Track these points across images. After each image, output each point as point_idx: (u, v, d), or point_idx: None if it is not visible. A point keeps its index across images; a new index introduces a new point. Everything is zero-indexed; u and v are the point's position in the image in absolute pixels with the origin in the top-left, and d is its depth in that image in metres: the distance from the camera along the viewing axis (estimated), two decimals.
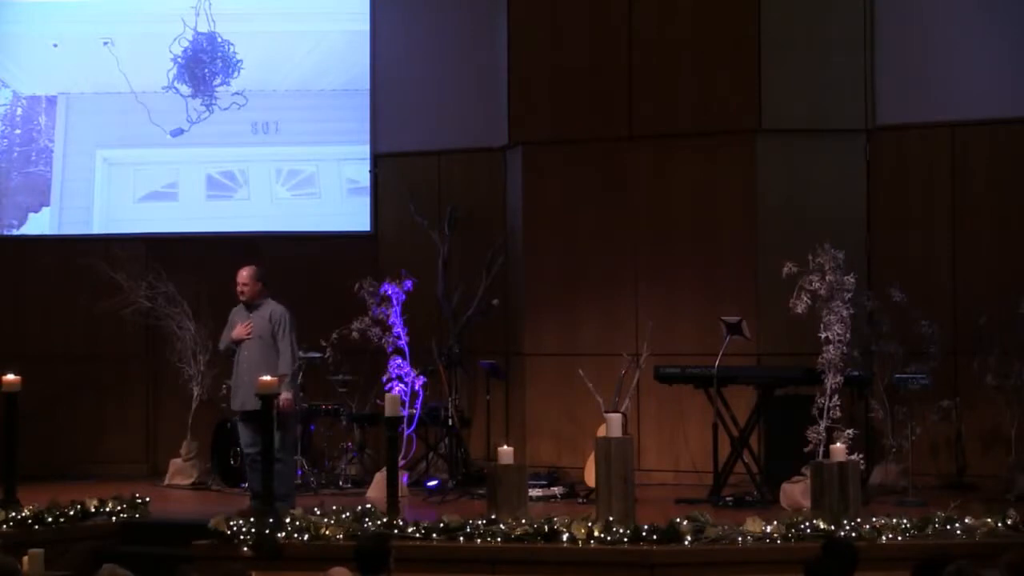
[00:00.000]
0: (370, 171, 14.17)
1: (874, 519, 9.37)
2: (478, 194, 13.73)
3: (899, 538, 9.20)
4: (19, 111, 14.56)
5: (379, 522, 9.57)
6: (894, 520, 9.33)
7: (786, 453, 11.27)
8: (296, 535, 9.54)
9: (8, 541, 9.16)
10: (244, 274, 11.23)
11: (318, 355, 12.79)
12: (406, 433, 12.58)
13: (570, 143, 13.16)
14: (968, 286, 12.31)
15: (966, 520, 9.36)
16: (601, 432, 10.28)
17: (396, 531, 9.36)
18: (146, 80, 14.36)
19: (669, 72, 12.87)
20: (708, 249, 12.69)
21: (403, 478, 11.92)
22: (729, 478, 11.59)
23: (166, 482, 13.18)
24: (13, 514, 10.23)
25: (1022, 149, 12.27)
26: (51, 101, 14.52)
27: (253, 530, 9.51)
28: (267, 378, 10.28)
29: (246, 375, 10.88)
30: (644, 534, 9.18)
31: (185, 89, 14.39)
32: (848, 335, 10.80)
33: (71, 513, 10.44)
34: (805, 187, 12.63)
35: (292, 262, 13.52)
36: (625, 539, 9.17)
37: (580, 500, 11.71)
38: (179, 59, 14.40)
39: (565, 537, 9.23)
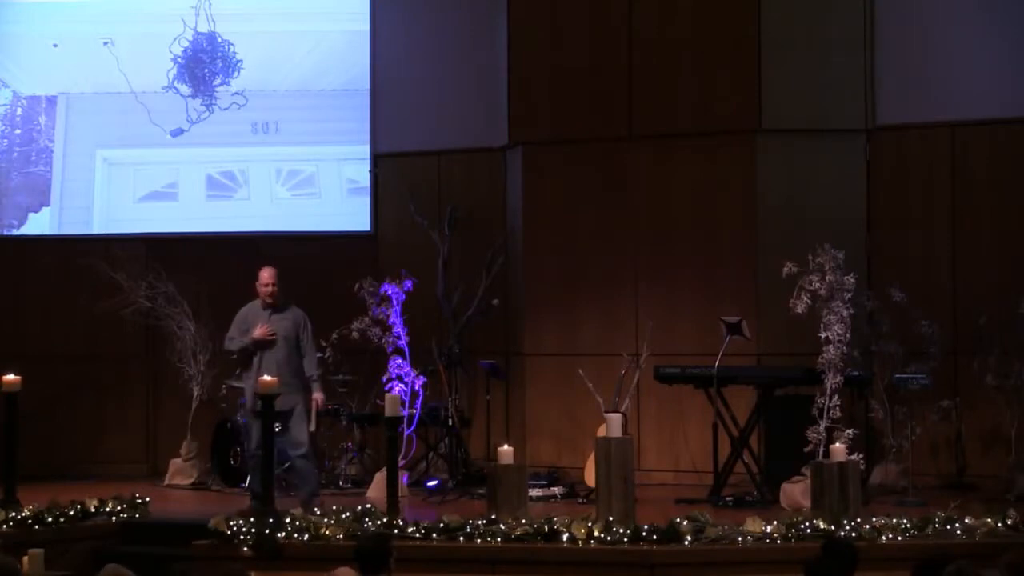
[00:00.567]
0: (370, 171, 14.18)
1: (874, 519, 9.37)
2: (478, 194, 13.74)
3: (899, 538, 9.20)
4: (19, 111, 14.56)
5: (379, 522, 9.57)
6: (894, 520, 9.34)
7: (786, 453, 11.27)
8: (296, 535, 9.54)
9: (8, 541, 9.17)
10: (271, 274, 11.25)
11: (319, 355, 12.77)
12: (406, 433, 12.58)
13: (570, 143, 13.17)
14: (968, 286, 12.32)
15: (966, 520, 9.36)
16: (601, 432, 10.28)
17: (396, 531, 9.36)
18: (146, 80, 14.36)
19: (669, 72, 12.87)
20: (708, 249, 12.69)
21: (403, 478, 11.92)
22: (729, 478, 11.59)
23: (166, 482, 13.18)
24: (13, 514, 10.23)
25: (1022, 149, 12.27)
26: (51, 101, 14.52)
27: (253, 530, 9.51)
28: (267, 378, 10.29)
29: (275, 376, 10.89)
30: (644, 534, 9.18)
31: (185, 89, 14.40)
32: (848, 335, 10.80)
33: (71, 513, 10.44)
34: (805, 187, 12.63)
35: (292, 262, 13.47)
36: (625, 539, 9.18)
37: (580, 500, 11.71)
38: (179, 59, 14.40)
39: (565, 537, 9.23)
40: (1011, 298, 11.65)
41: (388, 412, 10.16)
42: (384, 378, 12.58)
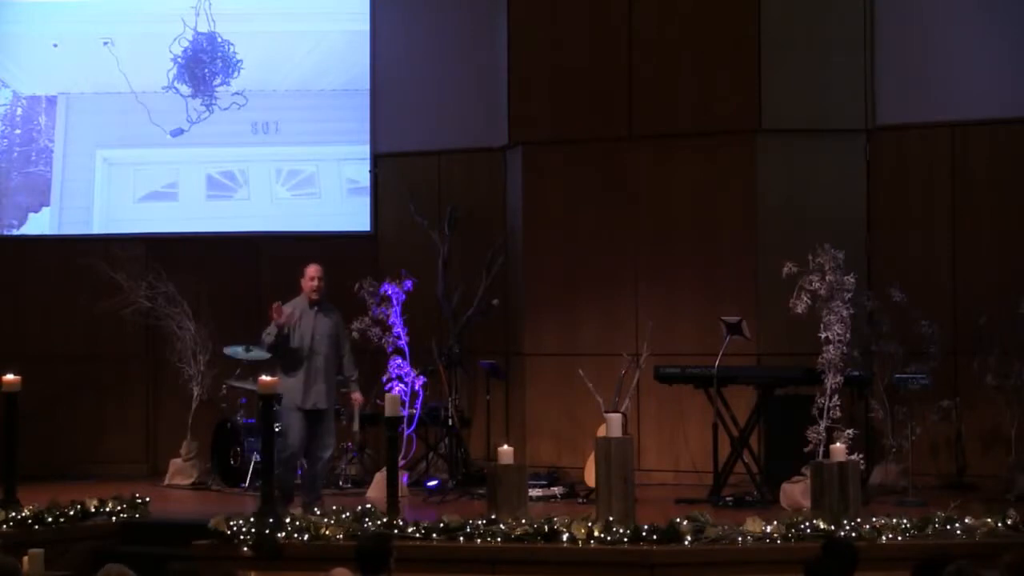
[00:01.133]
0: (370, 171, 14.18)
1: (874, 519, 9.37)
2: (478, 194, 13.74)
3: (899, 538, 9.19)
4: (19, 111, 14.56)
5: (379, 522, 9.56)
6: (894, 520, 9.33)
7: (786, 453, 11.27)
8: (296, 535, 9.54)
9: (8, 541, 9.17)
10: (317, 269, 11.18)
11: None
12: (406, 433, 12.59)
13: (570, 143, 13.16)
14: (968, 286, 12.31)
15: (966, 520, 9.35)
16: (601, 432, 10.28)
17: (396, 531, 9.35)
18: (146, 80, 14.36)
19: (669, 72, 12.87)
20: (708, 249, 12.69)
21: (403, 478, 11.92)
22: (729, 478, 11.59)
23: (166, 482, 13.17)
24: (13, 514, 10.22)
25: (1022, 149, 12.27)
26: (51, 101, 14.52)
27: (253, 530, 9.51)
28: (267, 378, 10.29)
29: (323, 374, 10.95)
30: (644, 534, 9.18)
31: (185, 89, 14.39)
32: (848, 335, 10.80)
33: (71, 513, 10.43)
34: (805, 187, 12.63)
35: (292, 262, 13.46)
36: (625, 539, 9.17)
37: (580, 500, 11.71)
38: (179, 59, 14.40)
39: (565, 537, 9.23)
40: (1011, 298, 11.65)
41: (388, 412, 10.16)
42: (384, 378, 12.59)
